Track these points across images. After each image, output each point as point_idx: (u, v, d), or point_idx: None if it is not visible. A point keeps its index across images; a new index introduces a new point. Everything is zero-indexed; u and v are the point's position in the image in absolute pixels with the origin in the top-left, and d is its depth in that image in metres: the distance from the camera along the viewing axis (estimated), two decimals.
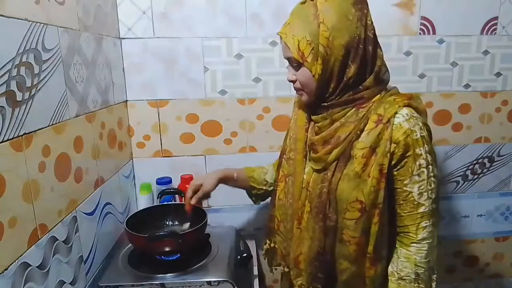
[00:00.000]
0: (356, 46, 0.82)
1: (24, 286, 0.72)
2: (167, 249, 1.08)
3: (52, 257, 0.83)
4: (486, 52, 1.49)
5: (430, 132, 0.86)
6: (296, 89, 0.91)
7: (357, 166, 0.84)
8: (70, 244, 0.91)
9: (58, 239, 0.85)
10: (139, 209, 1.30)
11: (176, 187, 1.43)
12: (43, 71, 0.81)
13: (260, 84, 1.44)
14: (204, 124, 1.46)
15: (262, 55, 1.41)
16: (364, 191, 0.83)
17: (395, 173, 0.85)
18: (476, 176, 1.64)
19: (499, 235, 1.73)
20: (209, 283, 1.03)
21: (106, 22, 1.21)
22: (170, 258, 1.13)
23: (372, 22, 0.85)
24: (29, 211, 0.74)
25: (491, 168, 1.64)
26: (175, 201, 1.37)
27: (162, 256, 1.13)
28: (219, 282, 1.03)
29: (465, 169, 1.62)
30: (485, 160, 1.62)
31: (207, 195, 1.11)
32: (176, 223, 1.26)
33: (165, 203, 1.32)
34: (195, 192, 1.10)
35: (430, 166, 0.84)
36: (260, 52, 1.41)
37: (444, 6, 1.43)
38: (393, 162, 0.83)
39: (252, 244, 1.46)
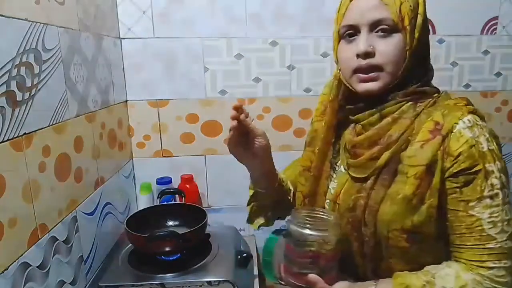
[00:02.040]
0: (427, 32, 0.72)
1: (24, 286, 0.72)
2: (167, 249, 1.08)
3: (52, 257, 0.83)
4: (486, 52, 1.49)
5: (500, 146, 0.68)
6: (369, 68, 0.68)
7: (407, 189, 0.66)
8: (70, 244, 0.91)
9: (58, 239, 0.85)
10: (139, 209, 1.30)
11: (176, 187, 1.43)
12: (43, 71, 0.80)
13: (260, 84, 1.44)
14: (204, 124, 1.46)
15: (262, 55, 1.41)
16: (415, 220, 0.66)
17: (456, 193, 0.66)
18: None
19: None
20: (209, 283, 1.03)
21: (106, 22, 1.21)
22: (170, 258, 1.12)
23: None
24: (29, 211, 0.74)
25: None
26: (175, 201, 1.37)
27: (162, 256, 1.13)
28: (219, 282, 1.03)
29: None
30: None
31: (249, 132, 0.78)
32: (176, 223, 1.26)
33: (165, 203, 1.32)
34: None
35: (506, 190, 0.65)
36: (260, 52, 1.41)
37: (444, 6, 1.43)
38: (451, 178, 0.65)
39: (252, 244, 1.46)
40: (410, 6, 0.67)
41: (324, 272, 0.69)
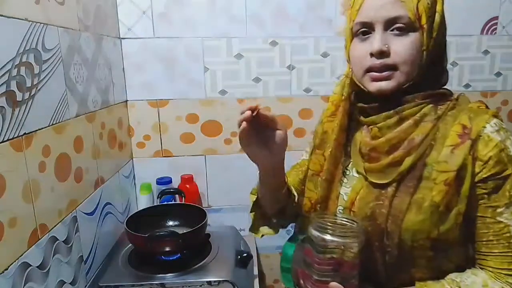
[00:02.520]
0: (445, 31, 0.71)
1: (24, 286, 0.72)
2: (167, 249, 1.08)
3: (52, 257, 0.83)
4: (486, 52, 1.49)
5: None
6: (385, 66, 0.65)
7: (436, 196, 0.62)
8: (70, 244, 0.91)
9: (58, 239, 0.85)
10: (139, 209, 1.30)
11: (176, 187, 1.43)
12: (43, 71, 0.80)
13: (260, 84, 1.44)
14: (204, 124, 1.46)
15: (262, 55, 1.41)
16: (442, 229, 0.63)
17: (483, 198, 0.64)
18: None
19: None
20: (209, 283, 1.03)
21: (106, 22, 1.21)
22: (170, 258, 1.12)
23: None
24: (29, 211, 0.74)
25: None
26: (175, 201, 1.37)
27: (162, 256, 1.13)
28: (219, 282, 1.03)
29: None
30: None
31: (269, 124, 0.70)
32: (176, 223, 1.26)
33: (165, 203, 1.32)
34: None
35: None
36: (260, 52, 1.41)
37: (444, 6, 1.42)
38: (480, 184, 0.63)
39: (252, 244, 1.46)
40: (428, 3, 0.64)
41: (345, 280, 0.65)
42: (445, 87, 0.73)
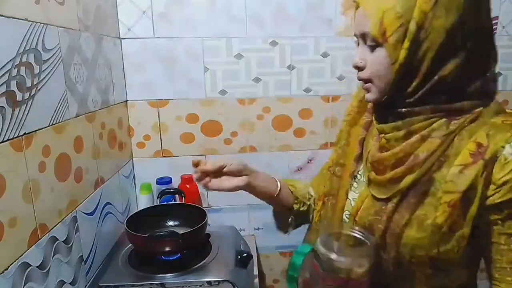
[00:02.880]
0: (464, 35, 0.59)
1: (24, 286, 0.72)
2: (167, 249, 1.08)
3: (52, 257, 0.83)
4: None
5: None
6: (363, 80, 0.67)
7: (439, 217, 0.60)
8: (70, 244, 0.91)
9: (58, 239, 0.85)
10: (139, 209, 1.30)
11: (176, 187, 1.43)
12: (43, 71, 0.80)
13: (260, 84, 1.44)
14: (204, 124, 1.46)
15: (262, 55, 1.41)
16: (442, 249, 0.61)
17: (497, 224, 0.60)
18: None
19: None
20: (209, 283, 1.03)
21: (106, 22, 1.21)
22: (170, 258, 1.12)
23: (491, 9, 0.62)
24: (29, 211, 0.74)
25: None
26: (175, 201, 1.37)
27: (162, 256, 1.12)
28: (219, 282, 1.03)
29: None
30: None
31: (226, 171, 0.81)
32: (176, 223, 1.26)
33: (165, 203, 1.32)
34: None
35: None
36: (260, 52, 1.41)
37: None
38: (493, 212, 0.60)
39: (252, 244, 1.46)
40: (397, 13, 0.58)
41: None
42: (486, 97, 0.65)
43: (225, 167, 0.80)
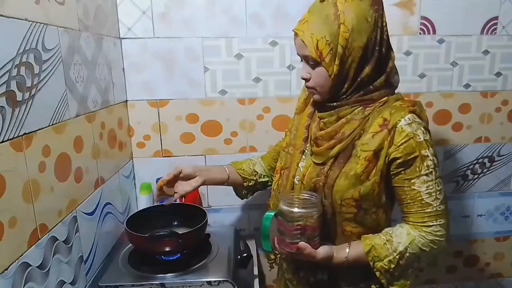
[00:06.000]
0: (373, 48, 0.85)
1: (24, 286, 0.72)
2: (167, 249, 1.08)
3: (52, 257, 0.83)
4: (486, 52, 1.49)
5: (431, 137, 0.88)
6: (309, 88, 0.91)
7: (358, 168, 0.86)
8: (70, 244, 0.91)
9: (58, 239, 0.85)
10: (139, 209, 1.30)
11: None
12: (43, 71, 0.81)
13: (260, 84, 1.44)
14: (204, 124, 1.46)
15: (262, 55, 1.41)
16: (362, 191, 0.86)
17: (401, 173, 0.86)
18: (476, 176, 1.64)
19: (499, 235, 1.73)
20: (209, 283, 1.03)
21: (106, 22, 1.21)
22: (170, 258, 1.13)
23: (386, 24, 0.87)
24: (29, 211, 0.74)
25: (491, 168, 1.64)
26: (175, 201, 1.37)
27: (162, 256, 1.13)
28: (219, 282, 1.03)
29: (465, 169, 1.62)
30: (485, 160, 1.62)
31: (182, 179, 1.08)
32: (176, 223, 1.26)
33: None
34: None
35: (437, 168, 0.86)
36: (260, 52, 1.41)
37: (444, 6, 1.43)
38: (396, 165, 0.85)
39: (252, 244, 1.46)
40: (327, 41, 0.82)
41: (310, 240, 0.86)
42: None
43: (181, 172, 1.06)
